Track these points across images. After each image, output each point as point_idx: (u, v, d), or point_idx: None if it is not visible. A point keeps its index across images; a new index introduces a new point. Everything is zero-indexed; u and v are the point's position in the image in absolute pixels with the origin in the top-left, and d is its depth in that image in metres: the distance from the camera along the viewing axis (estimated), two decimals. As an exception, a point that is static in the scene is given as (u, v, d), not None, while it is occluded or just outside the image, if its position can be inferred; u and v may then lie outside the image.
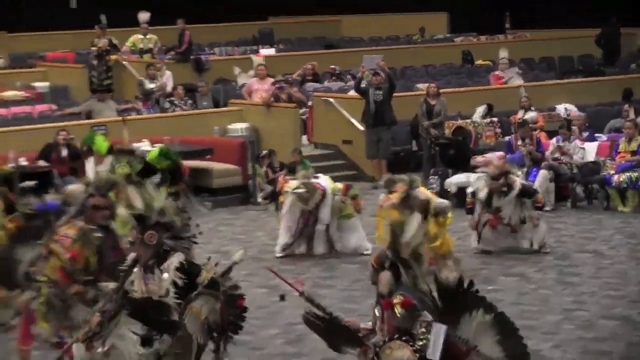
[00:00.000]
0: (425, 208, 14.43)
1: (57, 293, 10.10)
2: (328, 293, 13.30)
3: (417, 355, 7.83)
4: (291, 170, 18.50)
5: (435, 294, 8.07)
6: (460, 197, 17.99)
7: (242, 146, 21.22)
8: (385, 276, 8.44)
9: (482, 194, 16.14)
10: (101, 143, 13.33)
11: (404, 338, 7.94)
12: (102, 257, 10.19)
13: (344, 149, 22.87)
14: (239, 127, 22.45)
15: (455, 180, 19.29)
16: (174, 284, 8.62)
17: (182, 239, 8.86)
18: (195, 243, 9.09)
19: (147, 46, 27.25)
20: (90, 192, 10.43)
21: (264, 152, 21.61)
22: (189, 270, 8.64)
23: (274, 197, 20.06)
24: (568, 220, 18.74)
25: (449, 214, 15.34)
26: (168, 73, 24.83)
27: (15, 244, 10.78)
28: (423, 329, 7.98)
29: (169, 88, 24.45)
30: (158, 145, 13.38)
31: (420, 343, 7.88)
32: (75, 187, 11.62)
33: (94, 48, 25.63)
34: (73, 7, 32.13)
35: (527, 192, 16.33)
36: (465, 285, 8.08)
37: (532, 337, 11.95)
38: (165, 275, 8.77)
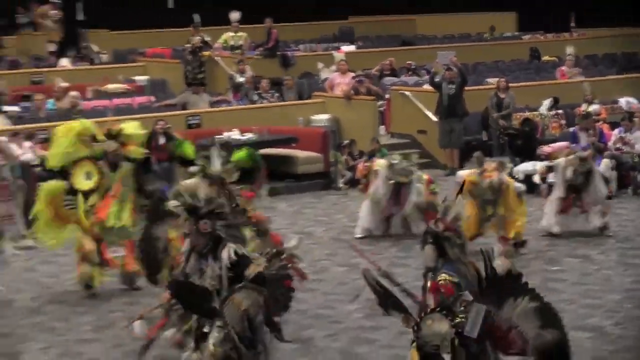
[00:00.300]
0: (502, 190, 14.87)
1: None
2: (403, 271, 13.15)
3: (454, 330, 7.65)
4: (370, 158, 18.44)
5: (482, 274, 7.90)
6: (527, 184, 17.81)
7: (324, 135, 21.22)
8: (429, 250, 8.39)
9: (569, 173, 16.09)
10: (189, 148, 13.32)
11: (444, 312, 7.77)
12: None
13: (419, 139, 22.76)
14: (321, 118, 22.44)
15: (523, 168, 19.19)
16: (226, 273, 8.65)
17: (233, 227, 8.81)
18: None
19: (238, 43, 27.32)
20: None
21: (345, 141, 21.65)
22: (239, 262, 8.63)
23: (353, 182, 20.14)
24: (629, 206, 18.62)
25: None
26: (248, 71, 24.88)
27: (152, 223, 10.98)
28: (462, 308, 7.80)
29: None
30: (246, 148, 13.29)
31: (458, 320, 7.70)
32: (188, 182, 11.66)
33: (188, 45, 25.75)
34: (170, 7, 32.27)
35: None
36: (514, 275, 7.88)
37: (595, 314, 12.16)
38: (217, 265, 8.77)
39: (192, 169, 12.62)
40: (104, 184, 13.41)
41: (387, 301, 8.02)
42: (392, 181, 16.21)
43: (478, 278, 7.98)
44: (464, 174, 16.05)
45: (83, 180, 13.43)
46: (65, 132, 13.44)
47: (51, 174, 18.04)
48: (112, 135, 13.49)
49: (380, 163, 16.68)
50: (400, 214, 16.37)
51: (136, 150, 13.48)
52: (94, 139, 13.37)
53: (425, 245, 8.49)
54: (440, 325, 7.67)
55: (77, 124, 13.60)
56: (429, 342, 7.66)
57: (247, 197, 11.70)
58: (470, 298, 7.83)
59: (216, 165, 11.46)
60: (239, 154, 12.89)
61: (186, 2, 29.79)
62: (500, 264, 8.42)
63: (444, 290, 8.13)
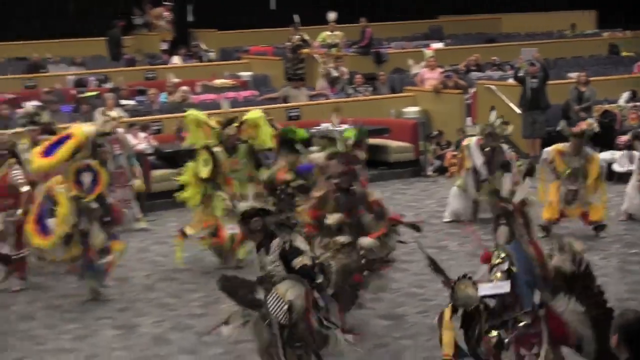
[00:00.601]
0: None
1: None
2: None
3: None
4: (457, 148, 18.29)
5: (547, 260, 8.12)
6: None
7: (414, 126, 21.13)
8: (503, 230, 8.45)
9: None
10: (302, 133, 13.30)
11: (471, 279, 8.15)
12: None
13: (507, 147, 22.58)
14: (412, 110, 22.33)
15: (602, 157, 18.86)
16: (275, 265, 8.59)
17: (283, 221, 8.74)
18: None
19: (334, 41, 27.28)
20: (337, 159, 11.03)
21: (434, 132, 21.53)
22: (288, 253, 8.53)
23: (441, 170, 20.02)
24: None
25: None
26: (330, 67, 24.82)
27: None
28: (497, 274, 8.15)
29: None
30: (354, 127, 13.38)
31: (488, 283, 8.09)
32: (317, 155, 11.79)
33: (289, 43, 25.87)
34: (272, 8, 32.35)
35: None
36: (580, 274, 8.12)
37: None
38: (269, 257, 8.71)
39: (314, 149, 12.63)
40: (222, 169, 13.67)
41: (435, 268, 8.45)
42: (487, 148, 15.94)
43: (540, 263, 8.14)
44: (552, 147, 15.75)
45: (202, 168, 13.72)
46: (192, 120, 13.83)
47: (163, 162, 18.37)
48: (229, 122, 13.71)
49: (469, 139, 16.48)
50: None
51: (264, 133, 13.69)
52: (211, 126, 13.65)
53: (497, 226, 8.53)
54: (472, 291, 8.05)
55: (199, 114, 13.98)
56: (461, 302, 8.09)
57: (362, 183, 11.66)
58: (505, 268, 8.15)
59: (341, 145, 11.46)
60: (349, 133, 12.95)
61: (287, 4, 29.81)
62: (561, 257, 8.25)
63: (483, 255, 8.58)
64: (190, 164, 14.00)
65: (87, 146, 12.55)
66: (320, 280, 8.71)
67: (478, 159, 16.01)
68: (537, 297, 8.13)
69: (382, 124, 20.93)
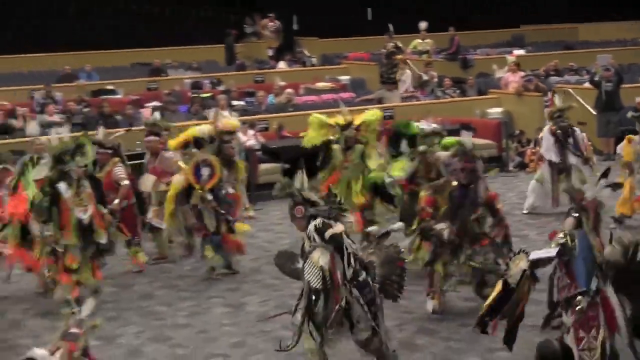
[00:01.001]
0: None
1: None
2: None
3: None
4: (536, 145, 18.03)
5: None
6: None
7: (498, 126, 20.97)
8: (569, 220, 8.38)
9: None
10: (414, 128, 13.20)
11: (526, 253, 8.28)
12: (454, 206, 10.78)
13: (579, 129, 22.19)
14: (495, 111, 22.13)
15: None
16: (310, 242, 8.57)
17: (323, 208, 8.71)
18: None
19: (425, 48, 27.25)
20: (459, 156, 10.95)
21: (516, 131, 21.31)
22: (322, 229, 8.48)
23: (522, 165, 19.77)
24: None
25: None
26: (408, 72, 24.59)
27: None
28: (552, 245, 8.14)
29: (408, 87, 24.31)
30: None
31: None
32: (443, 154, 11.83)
33: (384, 50, 25.74)
34: (369, 18, 32.38)
35: None
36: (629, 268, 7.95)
37: None
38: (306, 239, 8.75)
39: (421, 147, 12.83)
40: (335, 165, 13.48)
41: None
42: (559, 130, 15.55)
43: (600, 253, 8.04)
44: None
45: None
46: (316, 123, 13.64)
47: (269, 157, 18.44)
48: (348, 124, 13.44)
49: (543, 130, 16.12)
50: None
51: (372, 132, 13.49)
52: (332, 127, 13.50)
53: (568, 215, 8.48)
54: (523, 263, 8.07)
55: (322, 117, 13.77)
56: (512, 276, 8.09)
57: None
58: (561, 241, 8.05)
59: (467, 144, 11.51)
60: (449, 140, 12.98)
61: (382, 14, 29.80)
62: (613, 250, 8.03)
63: (550, 234, 8.56)
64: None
65: (204, 142, 12.81)
66: (363, 277, 8.60)
67: (549, 145, 15.66)
68: (594, 284, 7.93)
69: (468, 123, 20.76)
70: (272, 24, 29.80)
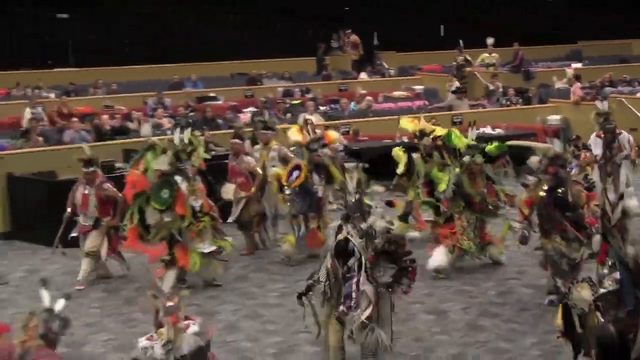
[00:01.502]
0: None
1: None
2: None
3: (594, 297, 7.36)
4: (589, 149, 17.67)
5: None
6: None
7: (556, 131, 20.57)
8: (596, 239, 8.24)
9: None
10: (460, 141, 12.93)
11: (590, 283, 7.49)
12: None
13: (630, 134, 21.78)
14: (554, 118, 21.74)
15: None
16: None
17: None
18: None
19: (491, 61, 27.01)
20: (545, 161, 10.89)
21: (573, 136, 20.96)
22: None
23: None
24: None
25: None
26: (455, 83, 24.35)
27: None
28: (608, 282, 7.49)
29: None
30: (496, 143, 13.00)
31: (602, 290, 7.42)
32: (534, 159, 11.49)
33: (454, 63, 25.67)
34: (442, 35, 32.28)
35: None
36: None
37: None
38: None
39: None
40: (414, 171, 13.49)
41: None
42: (606, 133, 15.26)
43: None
44: None
45: (400, 165, 13.80)
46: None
47: (352, 157, 18.32)
48: (424, 134, 13.44)
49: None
50: None
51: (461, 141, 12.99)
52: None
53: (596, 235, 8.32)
54: (585, 293, 7.38)
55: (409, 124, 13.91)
56: (576, 304, 7.41)
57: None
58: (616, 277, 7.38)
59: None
60: (490, 147, 12.67)
61: (453, 30, 29.72)
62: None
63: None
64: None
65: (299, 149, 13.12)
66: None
67: (596, 148, 15.27)
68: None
69: (530, 129, 20.50)
70: (355, 38, 29.85)
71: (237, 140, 13.88)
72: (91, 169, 12.28)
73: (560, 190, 10.57)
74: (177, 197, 11.43)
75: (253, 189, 13.29)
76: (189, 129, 12.15)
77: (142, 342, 7.05)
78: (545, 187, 10.66)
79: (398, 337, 9.20)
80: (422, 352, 9.49)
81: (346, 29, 30.42)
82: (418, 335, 10.01)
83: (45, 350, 6.75)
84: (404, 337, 9.62)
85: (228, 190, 13.41)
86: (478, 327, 10.23)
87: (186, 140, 11.75)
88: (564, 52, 31.72)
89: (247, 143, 14.49)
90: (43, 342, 6.74)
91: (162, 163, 11.60)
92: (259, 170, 13.39)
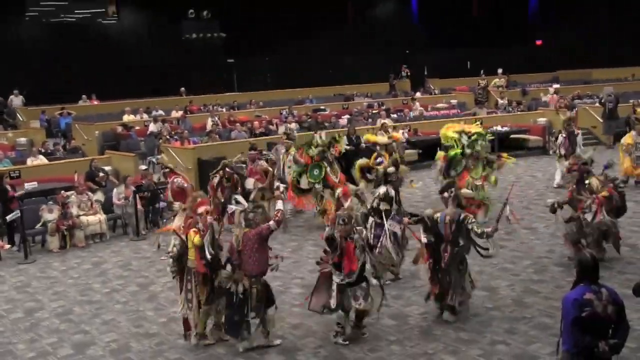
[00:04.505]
0: None
1: None
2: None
3: None
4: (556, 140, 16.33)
5: None
6: None
7: (543, 129, 20.24)
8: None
9: None
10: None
11: None
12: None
13: (592, 130, 21.39)
14: (542, 120, 21.24)
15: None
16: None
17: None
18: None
19: (501, 84, 26.51)
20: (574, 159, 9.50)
21: (553, 130, 20.10)
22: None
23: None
24: None
25: None
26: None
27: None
28: None
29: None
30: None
31: None
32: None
33: (477, 85, 25.46)
34: (468, 67, 31.95)
35: None
36: None
37: None
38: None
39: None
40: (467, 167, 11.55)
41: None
42: (567, 132, 14.10)
43: None
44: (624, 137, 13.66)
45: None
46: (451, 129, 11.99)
47: (411, 146, 18.36)
48: (466, 132, 11.70)
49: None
50: None
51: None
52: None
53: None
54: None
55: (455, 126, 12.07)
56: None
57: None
58: None
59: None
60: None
61: (478, 64, 29.41)
62: None
63: None
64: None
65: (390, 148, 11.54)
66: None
67: (562, 141, 14.24)
68: None
69: (525, 127, 20.42)
70: (406, 68, 29.78)
71: (253, 152, 12.58)
72: (253, 152, 12.43)
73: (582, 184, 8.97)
74: (326, 174, 11.52)
75: (267, 182, 11.70)
76: (324, 131, 12.03)
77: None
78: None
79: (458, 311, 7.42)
80: (479, 327, 7.41)
81: (404, 64, 30.49)
82: (474, 311, 7.80)
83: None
84: (462, 314, 7.59)
85: (249, 182, 11.84)
86: (523, 303, 8.03)
87: (324, 138, 11.75)
88: (547, 78, 31.05)
89: (280, 146, 13.56)
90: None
91: (314, 152, 11.67)
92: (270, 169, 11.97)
